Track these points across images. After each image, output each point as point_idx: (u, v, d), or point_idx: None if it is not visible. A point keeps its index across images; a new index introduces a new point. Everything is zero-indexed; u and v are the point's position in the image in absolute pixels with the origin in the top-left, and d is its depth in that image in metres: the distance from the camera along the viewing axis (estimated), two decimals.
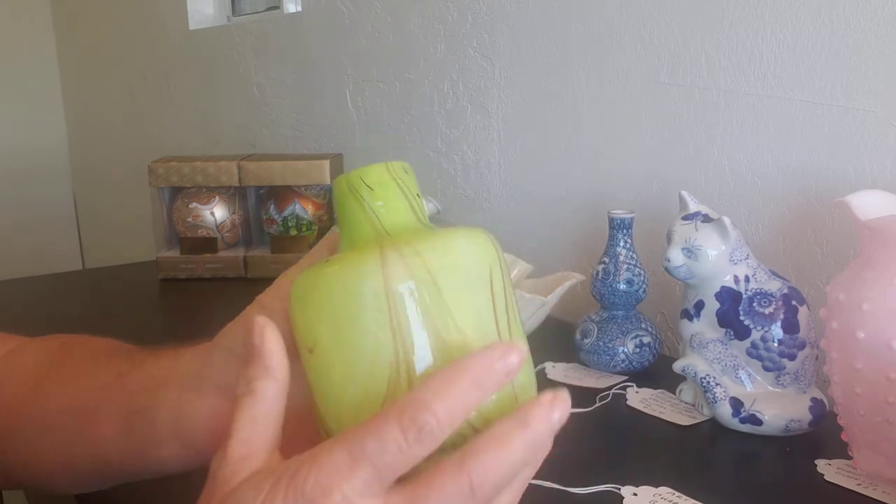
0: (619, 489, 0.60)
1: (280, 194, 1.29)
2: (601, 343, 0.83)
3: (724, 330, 0.70)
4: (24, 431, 0.49)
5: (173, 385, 0.43)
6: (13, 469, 0.51)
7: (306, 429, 0.37)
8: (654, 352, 0.84)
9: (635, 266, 0.83)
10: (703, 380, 0.71)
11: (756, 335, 0.69)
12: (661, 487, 0.60)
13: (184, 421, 0.42)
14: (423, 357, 0.33)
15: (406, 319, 0.33)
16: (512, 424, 0.31)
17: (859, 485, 0.60)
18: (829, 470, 0.63)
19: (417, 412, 0.30)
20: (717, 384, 0.70)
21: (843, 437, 0.62)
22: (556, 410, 0.31)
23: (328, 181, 1.26)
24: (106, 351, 0.51)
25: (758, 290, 0.69)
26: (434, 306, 0.33)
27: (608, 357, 0.83)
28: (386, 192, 0.37)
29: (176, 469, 0.45)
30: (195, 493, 0.35)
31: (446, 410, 0.30)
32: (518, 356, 0.31)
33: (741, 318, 0.69)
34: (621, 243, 0.83)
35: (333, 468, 0.30)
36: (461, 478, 0.30)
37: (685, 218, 0.72)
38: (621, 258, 0.83)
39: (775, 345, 0.68)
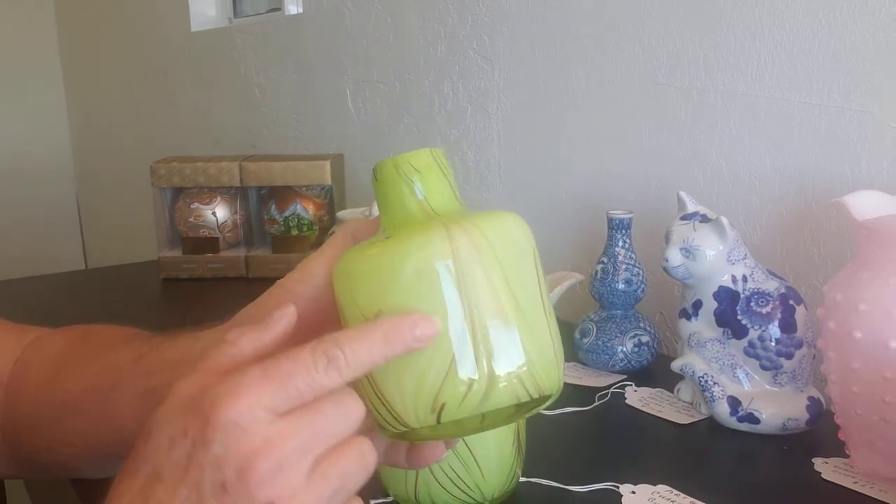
0: (618, 487, 0.60)
1: (281, 194, 1.30)
2: (600, 342, 0.83)
3: (721, 329, 0.71)
4: (47, 415, 0.50)
5: (188, 365, 0.44)
6: (36, 454, 0.52)
7: None
8: (653, 351, 0.84)
9: (634, 266, 0.84)
10: (701, 379, 0.71)
11: (754, 334, 0.69)
12: (660, 485, 0.60)
13: None
14: (489, 323, 0.35)
15: (474, 287, 0.35)
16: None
17: (856, 483, 0.61)
18: (826, 468, 0.63)
19: (329, 347, 0.34)
20: (714, 383, 0.70)
21: (840, 435, 0.63)
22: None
23: (328, 181, 1.27)
24: (125, 336, 0.52)
25: (755, 290, 0.70)
26: (497, 277, 0.36)
27: (607, 356, 0.83)
28: (432, 175, 0.39)
29: None
30: None
31: (354, 353, 0.34)
32: (431, 330, 0.35)
33: (739, 317, 0.70)
34: (620, 243, 0.84)
35: (245, 381, 0.33)
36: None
37: (683, 218, 0.73)
38: (620, 258, 0.83)
39: (773, 344, 0.69)
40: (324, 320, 0.40)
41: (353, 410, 0.34)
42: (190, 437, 0.32)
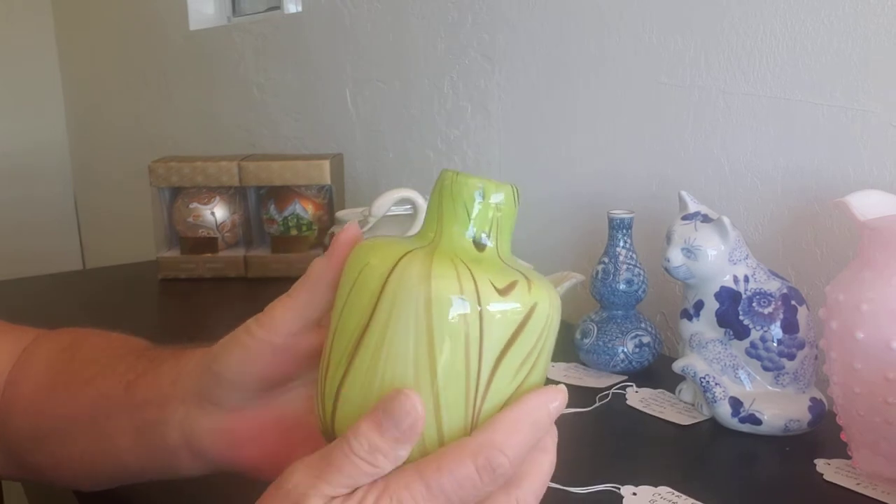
0: (619, 489, 0.60)
1: (280, 194, 1.29)
2: (601, 343, 0.83)
3: (723, 330, 0.70)
4: (49, 436, 0.50)
5: (177, 402, 0.44)
6: (43, 469, 0.52)
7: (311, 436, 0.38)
8: (654, 351, 0.84)
9: (635, 266, 0.83)
10: (702, 379, 0.71)
11: (755, 335, 0.69)
12: (661, 487, 0.60)
13: (192, 436, 0.44)
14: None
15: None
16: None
17: (858, 484, 0.60)
18: (829, 470, 0.63)
19: (493, 455, 0.32)
20: (716, 384, 0.70)
21: (843, 436, 0.63)
22: (554, 400, 0.35)
23: (328, 181, 1.26)
24: (114, 350, 0.51)
25: (757, 290, 0.69)
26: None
27: (608, 357, 0.83)
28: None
29: (193, 474, 0.46)
30: (202, 495, 0.35)
31: (515, 451, 0.33)
32: (563, 398, 0.35)
33: (740, 317, 0.69)
34: (621, 243, 0.83)
35: (411, 501, 0.31)
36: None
37: (685, 218, 0.72)
38: (621, 258, 0.83)
39: (774, 345, 0.68)
40: (294, 366, 0.40)
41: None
42: None
